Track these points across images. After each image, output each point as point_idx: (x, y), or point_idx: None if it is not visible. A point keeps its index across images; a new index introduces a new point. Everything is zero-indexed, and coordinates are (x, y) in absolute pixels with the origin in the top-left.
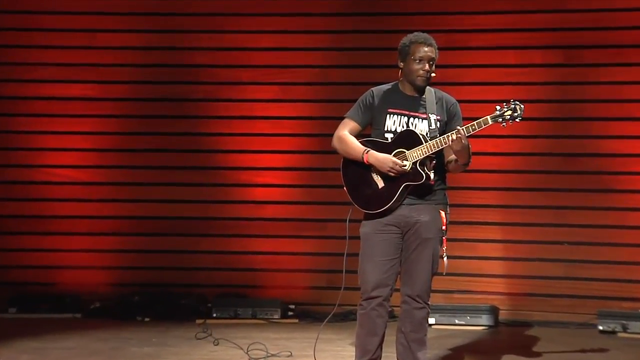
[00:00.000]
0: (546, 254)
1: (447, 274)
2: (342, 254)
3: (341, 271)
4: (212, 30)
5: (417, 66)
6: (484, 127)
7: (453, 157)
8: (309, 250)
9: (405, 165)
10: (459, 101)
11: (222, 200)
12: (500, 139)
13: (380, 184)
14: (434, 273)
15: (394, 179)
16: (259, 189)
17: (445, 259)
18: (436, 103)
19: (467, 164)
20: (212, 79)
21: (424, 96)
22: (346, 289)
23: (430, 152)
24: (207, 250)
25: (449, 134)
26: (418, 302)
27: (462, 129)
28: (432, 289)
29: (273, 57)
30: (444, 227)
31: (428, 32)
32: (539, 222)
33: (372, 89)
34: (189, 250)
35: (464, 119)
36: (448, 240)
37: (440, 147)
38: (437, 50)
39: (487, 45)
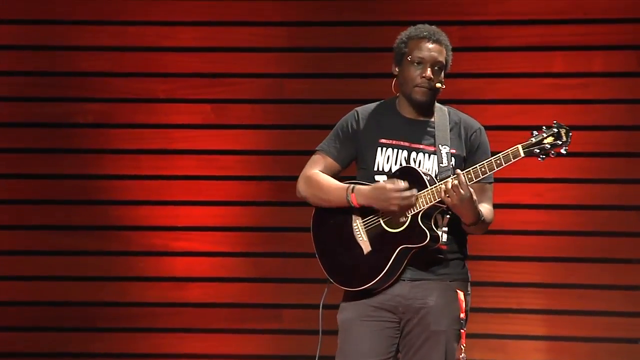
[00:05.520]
0: (613, 358)
1: None
2: (311, 357)
3: None
4: (109, 21)
5: (415, 72)
6: (505, 165)
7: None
8: (257, 351)
9: (413, 193)
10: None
11: (124, 277)
12: (544, 183)
13: (367, 247)
14: None
15: (384, 241)
16: (181, 258)
17: None
18: (451, 130)
19: (477, 224)
20: (109, 93)
21: (432, 119)
22: None
23: (433, 202)
24: (103, 353)
25: (446, 180)
26: None
27: (463, 174)
28: None
29: (202, 61)
30: (462, 315)
31: (435, 23)
32: (601, 310)
33: (356, 109)
34: (74, 353)
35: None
36: (468, 336)
37: (440, 198)
38: (449, 52)
39: (523, 45)
